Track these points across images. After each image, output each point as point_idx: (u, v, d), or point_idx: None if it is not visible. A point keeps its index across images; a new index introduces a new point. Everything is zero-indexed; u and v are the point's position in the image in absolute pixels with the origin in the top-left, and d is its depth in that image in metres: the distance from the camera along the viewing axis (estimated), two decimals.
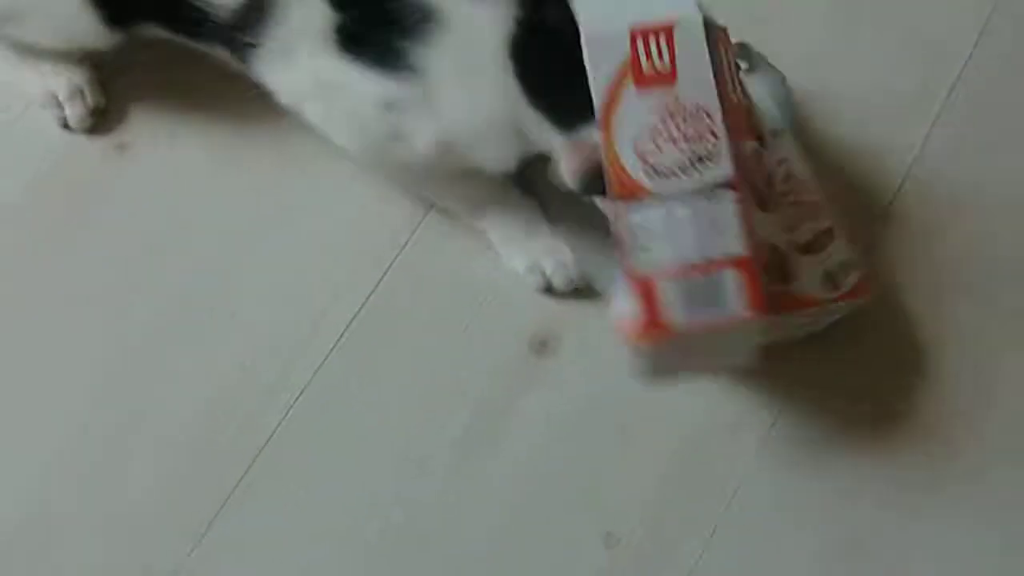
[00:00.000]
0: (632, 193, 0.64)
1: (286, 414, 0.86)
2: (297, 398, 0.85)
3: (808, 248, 0.79)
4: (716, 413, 0.84)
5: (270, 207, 0.90)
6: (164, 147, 0.91)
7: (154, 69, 0.90)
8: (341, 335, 0.87)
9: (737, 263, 0.64)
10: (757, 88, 0.82)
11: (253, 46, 0.77)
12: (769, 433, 0.84)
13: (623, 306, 0.66)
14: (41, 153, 0.89)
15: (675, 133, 0.64)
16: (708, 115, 0.64)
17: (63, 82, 0.87)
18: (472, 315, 0.87)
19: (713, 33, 0.65)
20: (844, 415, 0.86)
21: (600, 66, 0.64)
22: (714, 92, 0.64)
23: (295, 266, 0.89)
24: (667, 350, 0.65)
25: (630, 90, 0.64)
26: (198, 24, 0.78)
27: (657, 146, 0.64)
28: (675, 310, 0.64)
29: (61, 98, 0.87)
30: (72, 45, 0.84)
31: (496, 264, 0.87)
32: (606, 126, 0.64)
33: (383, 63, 0.75)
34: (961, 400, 0.87)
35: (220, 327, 0.86)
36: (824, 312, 0.78)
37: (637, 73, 0.64)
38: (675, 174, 0.64)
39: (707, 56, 0.64)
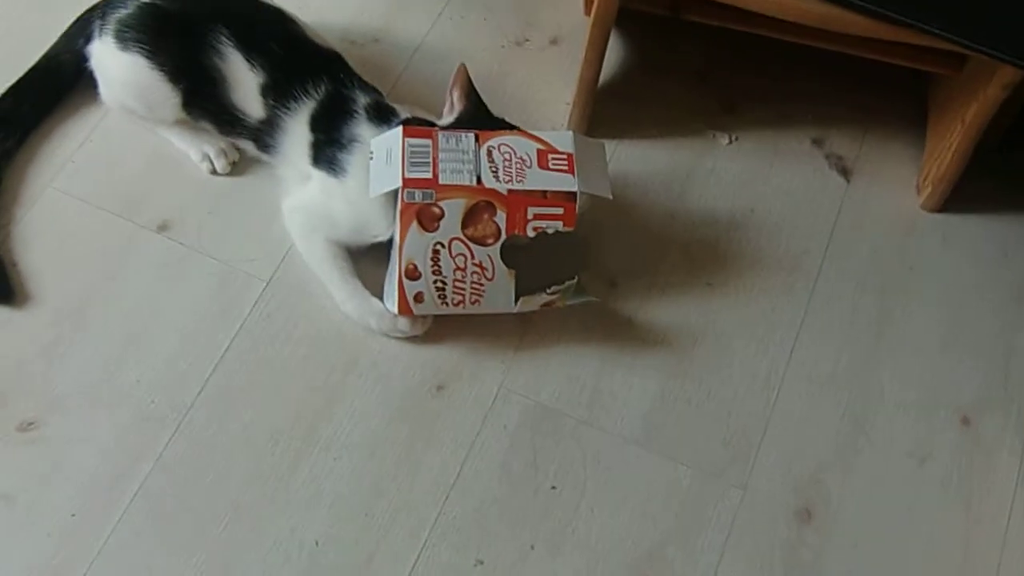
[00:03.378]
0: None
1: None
2: None
3: None
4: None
5: None
6: None
7: None
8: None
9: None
10: None
11: (270, 146, 1.38)
12: None
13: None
14: None
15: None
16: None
17: (212, 146, 1.43)
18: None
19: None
20: None
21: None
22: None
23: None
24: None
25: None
26: (232, 124, 1.39)
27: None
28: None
29: (212, 155, 1.43)
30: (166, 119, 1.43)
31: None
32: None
33: (330, 167, 1.34)
34: None
35: None
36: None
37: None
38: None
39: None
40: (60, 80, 1.45)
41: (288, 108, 1.35)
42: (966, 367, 1.39)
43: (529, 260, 1.30)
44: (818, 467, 1.30)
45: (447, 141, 1.28)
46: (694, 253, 1.44)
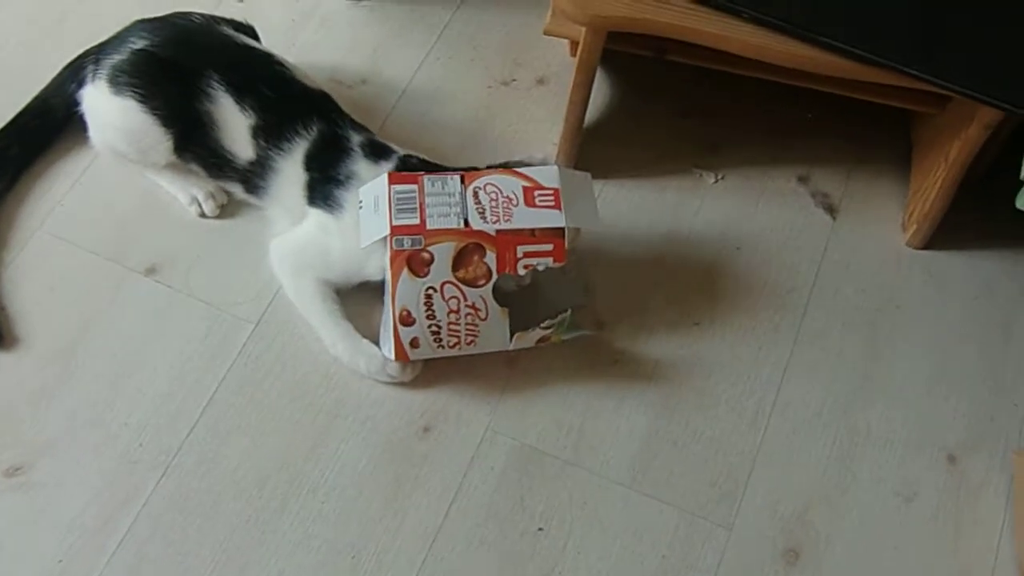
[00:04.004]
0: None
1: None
2: None
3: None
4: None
5: None
6: None
7: None
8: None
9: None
10: None
11: (260, 188, 1.42)
12: None
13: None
14: None
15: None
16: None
17: (201, 189, 1.46)
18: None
19: None
20: None
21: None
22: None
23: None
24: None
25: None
26: (222, 167, 1.42)
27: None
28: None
29: (200, 198, 1.47)
30: (157, 163, 1.45)
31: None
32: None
33: (327, 205, 1.37)
34: None
35: None
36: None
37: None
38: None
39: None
40: (50, 123, 1.48)
41: (280, 149, 1.38)
42: (952, 405, 1.41)
43: (522, 297, 1.34)
44: (805, 506, 1.32)
45: (432, 185, 1.30)
46: (681, 293, 1.47)
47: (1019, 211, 1.34)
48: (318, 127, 1.38)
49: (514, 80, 1.64)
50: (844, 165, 1.60)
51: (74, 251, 1.42)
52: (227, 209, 1.48)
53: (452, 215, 1.28)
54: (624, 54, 1.44)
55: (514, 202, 1.30)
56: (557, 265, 1.30)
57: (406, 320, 1.28)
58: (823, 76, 1.36)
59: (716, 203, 1.55)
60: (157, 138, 1.41)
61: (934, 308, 1.49)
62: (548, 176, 1.32)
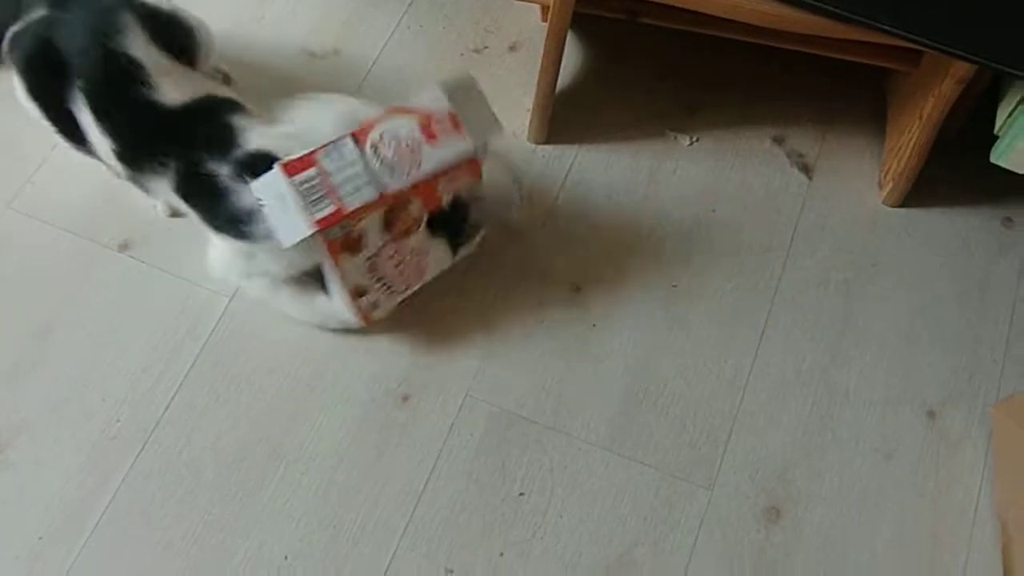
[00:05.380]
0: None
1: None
2: None
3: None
4: None
5: None
6: None
7: None
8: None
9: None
10: None
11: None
12: None
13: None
14: None
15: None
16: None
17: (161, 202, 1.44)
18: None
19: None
20: None
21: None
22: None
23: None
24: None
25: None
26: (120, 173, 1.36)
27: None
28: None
29: (159, 209, 1.46)
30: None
31: None
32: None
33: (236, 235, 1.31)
34: None
35: None
36: None
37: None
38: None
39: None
40: None
41: (148, 177, 1.33)
42: (931, 361, 1.46)
43: (453, 215, 1.37)
44: (785, 466, 1.37)
45: (329, 159, 1.25)
46: (658, 255, 1.51)
47: (994, 165, 1.39)
48: (176, 162, 1.30)
49: (486, 47, 1.68)
50: (819, 125, 1.65)
51: (45, 229, 1.46)
52: None
53: (364, 186, 1.26)
54: (596, 18, 1.48)
55: (416, 146, 1.28)
56: (478, 182, 1.35)
57: (359, 293, 1.32)
58: (795, 35, 1.40)
59: (691, 166, 1.59)
60: (48, 126, 1.36)
61: (911, 265, 1.54)
62: (436, 100, 1.31)
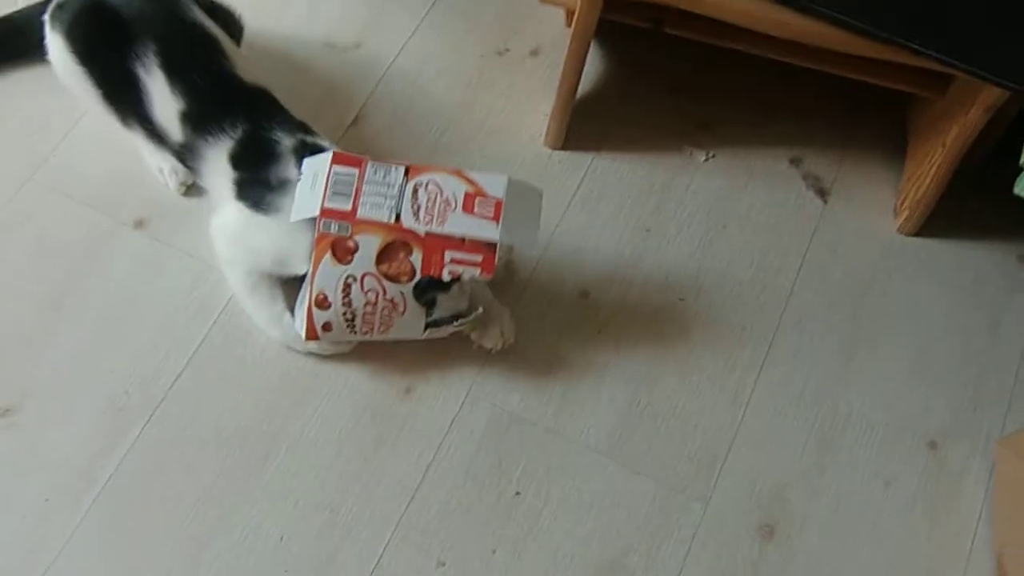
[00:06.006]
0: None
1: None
2: None
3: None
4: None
5: None
6: None
7: None
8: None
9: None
10: None
11: (195, 169, 1.45)
12: None
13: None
14: None
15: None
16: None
17: (167, 162, 1.51)
18: None
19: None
20: None
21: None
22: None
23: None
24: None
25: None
26: (159, 141, 1.46)
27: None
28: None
29: (165, 172, 1.52)
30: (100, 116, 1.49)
31: None
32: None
33: (255, 205, 1.38)
34: None
35: None
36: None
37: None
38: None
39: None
40: (17, 44, 1.54)
41: (206, 140, 1.40)
42: (935, 393, 1.48)
43: (443, 292, 1.36)
44: (782, 484, 1.40)
45: (375, 172, 1.32)
46: (667, 268, 1.54)
47: (1015, 199, 1.39)
48: (244, 127, 1.39)
49: (507, 50, 1.72)
50: (837, 148, 1.68)
51: (65, 202, 1.50)
52: None
53: (385, 207, 1.30)
54: (617, 28, 1.51)
55: (452, 206, 1.31)
56: (484, 277, 1.31)
57: (322, 304, 1.32)
58: (823, 53, 1.43)
59: (706, 181, 1.63)
60: (89, 94, 1.45)
61: (922, 296, 1.56)
62: (495, 185, 1.32)
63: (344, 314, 1.32)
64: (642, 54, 1.72)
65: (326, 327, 1.34)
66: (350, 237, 1.29)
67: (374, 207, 1.30)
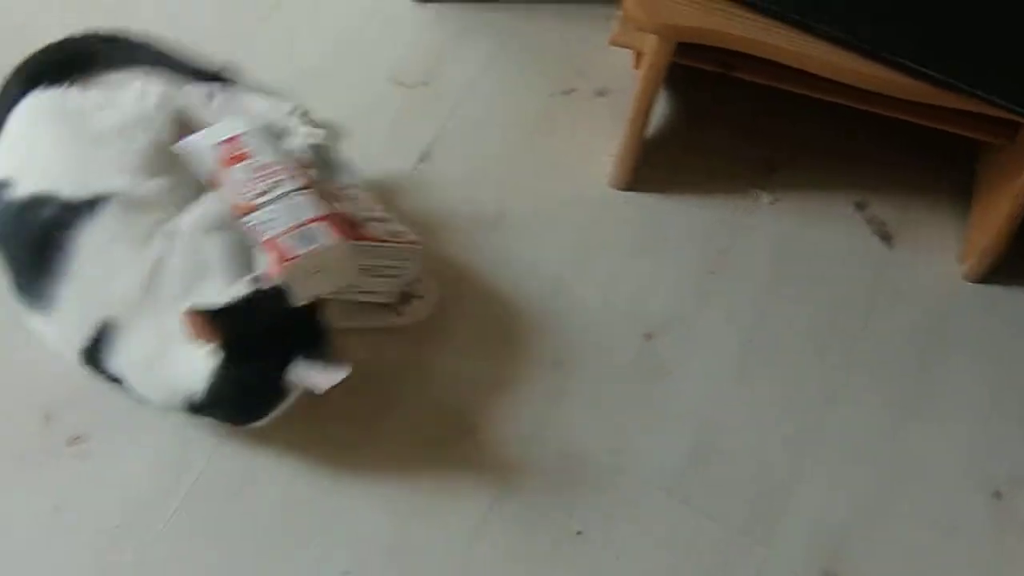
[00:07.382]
0: (250, 209, 1.37)
1: None
2: None
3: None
4: None
5: None
6: None
7: None
8: None
9: (320, 219, 1.36)
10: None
11: None
12: None
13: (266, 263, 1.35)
14: None
15: (257, 180, 1.40)
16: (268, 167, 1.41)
17: None
18: None
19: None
20: None
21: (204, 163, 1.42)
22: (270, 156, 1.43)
23: None
24: (299, 275, 1.33)
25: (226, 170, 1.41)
26: None
27: (251, 187, 1.39)
28: (292, 249, 1.33)
29: None
30: None
31: None
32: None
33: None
34: None
35: None
36: (386, 251, 1.46)
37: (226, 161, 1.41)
38: (265, 195, 1.38)
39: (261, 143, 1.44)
40: None
41: None
42: (1002, 441, 1.52)
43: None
44: (844, 531, 1.43)
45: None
46: (732, 308, 1.59)
47: None
48: None
49: (574, 90, 1.78)
50: (903, 193, 1.73)
51: None
52: None
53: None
54: (683, 71, 1.57)
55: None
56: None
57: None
58: (892, 100, 1.47)
59: (771, 224, 1.68)
60: None
61: (989, 343, 1.60)
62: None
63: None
64: (706, 96, 1.78)
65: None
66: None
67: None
